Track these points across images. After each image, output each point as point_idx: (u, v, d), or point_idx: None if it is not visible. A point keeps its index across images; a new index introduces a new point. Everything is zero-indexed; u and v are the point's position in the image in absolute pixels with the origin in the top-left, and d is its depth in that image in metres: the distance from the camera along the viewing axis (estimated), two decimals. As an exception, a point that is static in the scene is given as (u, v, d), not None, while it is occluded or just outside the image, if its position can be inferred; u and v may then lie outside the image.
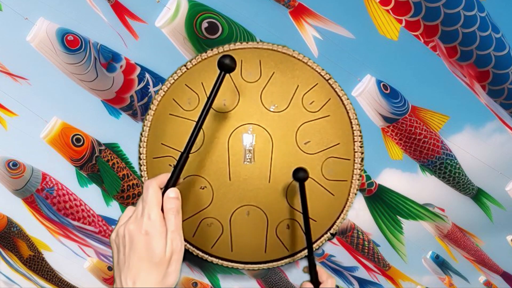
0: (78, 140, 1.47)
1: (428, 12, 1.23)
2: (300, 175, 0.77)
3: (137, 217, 0.66)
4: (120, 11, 1.22)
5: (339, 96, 0.89)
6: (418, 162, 1.77)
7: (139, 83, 1.37)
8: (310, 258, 0.78)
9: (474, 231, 2.05)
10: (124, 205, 1.67)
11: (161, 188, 0.69)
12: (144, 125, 0.91)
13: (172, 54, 1.22)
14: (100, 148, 1.53)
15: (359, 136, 0.89)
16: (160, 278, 0.64)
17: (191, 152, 0.88)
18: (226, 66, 0.70)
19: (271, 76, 0.89)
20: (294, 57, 0.90)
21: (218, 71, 0.71)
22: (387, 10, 1.24)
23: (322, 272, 0.79)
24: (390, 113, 1.48)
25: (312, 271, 0.77)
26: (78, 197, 1.78)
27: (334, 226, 0.90)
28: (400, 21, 1.26)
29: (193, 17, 1.35)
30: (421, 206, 2.17)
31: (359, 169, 0.89)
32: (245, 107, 0.88)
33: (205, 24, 1.25)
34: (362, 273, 2.30)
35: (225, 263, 0.90)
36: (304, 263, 0.80)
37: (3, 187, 1.66)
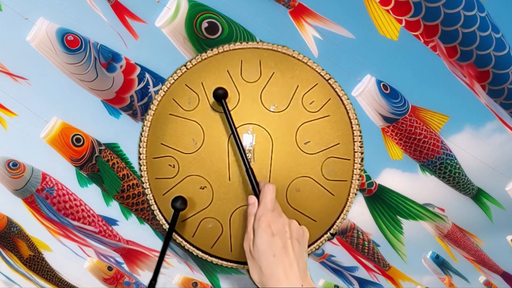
0: (78, 140, 1.47)
1: (428, 12, 1.23)
2: (219, 92, 0.84)
3: None
4: (120, 11, 1.22)
5: (339, 96, 0.89)
6: (418, 162, 1.76)
7: (139, 83, 1.37)
8: (248, 172, 0.81)
9: (474, 231, 2.05)
10: (124, 205, 1.67)
11: None
12: (144, 125, 0.91)
13: (172, 54, 1.22)
14: (100, 148, 1.52)
15: (359, 136, 0.89)
16: None
17: (190, 152, 0.88)
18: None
19: (271, 76, 0.89)
20: (294, 57, 0.90)
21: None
22: (387, 10, 1.23)
23: (260, 181, 0.82)
24: (390, 113, 1.48)
25: (252, 183, 0.81)
26: (78, 197, 1.78)
27: (334, 226, 0.89)
28: (400, 21, 1.26)
29: (193, 17, 1.35)
30: (421, 206, 2.17)
31: (359, 169, 0.89)
32: (245, 107, 0.88)
33: (205, 24, 1.25)
34: (362, 273, 2.30)
35: (225, 263, 0.90)
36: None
37: (3, 187, 1.65)
